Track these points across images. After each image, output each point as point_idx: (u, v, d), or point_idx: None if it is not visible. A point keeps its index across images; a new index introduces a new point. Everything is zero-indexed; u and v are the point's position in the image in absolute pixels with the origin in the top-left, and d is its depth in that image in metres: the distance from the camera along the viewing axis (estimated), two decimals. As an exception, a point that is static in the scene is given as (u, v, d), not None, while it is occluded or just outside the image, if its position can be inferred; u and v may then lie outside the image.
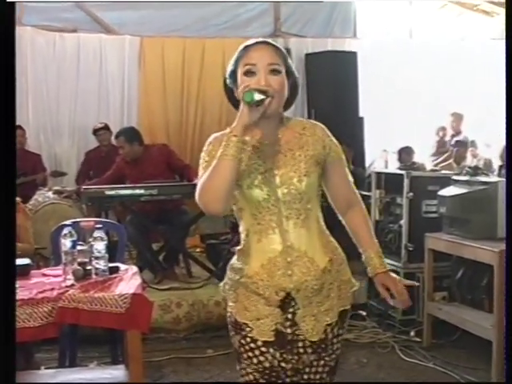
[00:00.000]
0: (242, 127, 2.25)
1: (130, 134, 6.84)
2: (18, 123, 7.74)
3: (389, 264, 6.03)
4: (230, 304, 2.52)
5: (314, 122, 2.57)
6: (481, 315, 4.99)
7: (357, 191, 2.64)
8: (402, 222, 5.83)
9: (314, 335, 2.46)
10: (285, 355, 2.46)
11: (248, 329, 2.45)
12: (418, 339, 5.55)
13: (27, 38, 8.37)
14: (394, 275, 2.63)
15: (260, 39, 2.44)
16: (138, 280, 3.69)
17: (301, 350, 2.48)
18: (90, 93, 8.78)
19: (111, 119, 8.59)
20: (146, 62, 8.93)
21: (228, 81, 2.46)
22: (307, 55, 9.25)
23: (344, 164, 2.57)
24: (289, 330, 2.46)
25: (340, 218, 2.65)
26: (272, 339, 2.43)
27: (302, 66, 9.23)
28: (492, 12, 11.32)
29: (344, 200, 2.60)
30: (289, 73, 2.42)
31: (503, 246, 4.42)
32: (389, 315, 5.93)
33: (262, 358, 2.45)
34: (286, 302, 2.44)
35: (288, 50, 8.89)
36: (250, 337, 2.45)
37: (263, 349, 2.44)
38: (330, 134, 2.53)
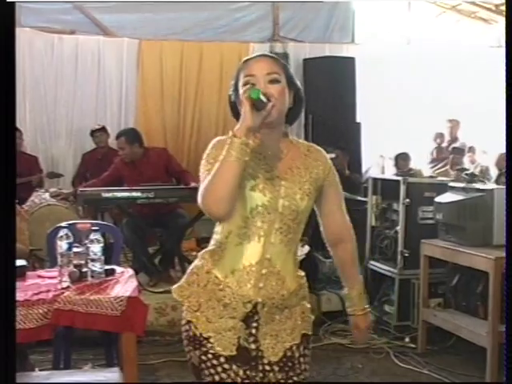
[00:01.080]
0: (245, 129, 2.22)
1: (131, 135, 6.82)
2: (15, 124, 7.76)
3: (384, 270, 6.10)
4: (189, 313, 2.43)
5: (317, 146, 2.58)
6: (475, 322, 5.00)
7: (351, 225, 2.62)
8: (398, 228, 5.84)
9: (273, 355, 2.42)
10: (248, 372, 2.38)
11: (209, 344, 2.36)
12: (413, 345, 5.55)
13: (25, 40, 8.35)
14: (369, 317, 2.68)
15: (260, 53, 2.49)
16: (133, 283, 3.68)
17: (267, 367, 2.42)
18: (88, 95, 8.78)
19: (108, 121, 8.59)
20: (144, 64, 8.93)
21: (232, 96, 2.47)
22: (305, 60, 9.27)
23: (340, 192, 2.57)
24: (253, 346, 2.41)
25: (328, 247, 2.64)
26: (234, 353, 2.35)
27: (299, 71, 9.25)
28: (490, 19, 11.36)
29: (337, 233, 2.59)
30: (290, 84, 2.44)
31: (498, 253, 4.45)
32: (384, 321, 5.94)
33: (224, 375, 2.35)
34: (249, 316, 2.39)
35: (286, 55, 8.94)
36: (211, 353, 2.36)
37: (226, 366, 2.35)
38: (329, 159, 2.54)
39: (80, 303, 3.32)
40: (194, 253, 7.71)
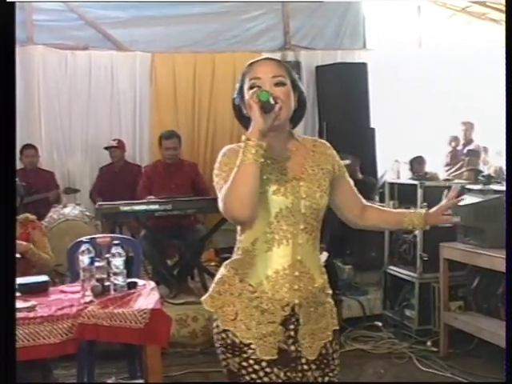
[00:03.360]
0: (257, 132, 2.24)
1: (179, 137, 7.09)
2: (30, 141, 7.86)
3: (404, 274, 6.08)
4: (226, 322, 2.43)
5: (321, 139, 2.64)
6: (497, 323, 4.99)
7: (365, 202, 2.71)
8: (417, 232, 5.83)
9: (311, 354, 2.46)
10: (289, 373, 2.41)
11: (250, 350, 2.38)
12: (435, 349, 5.54)
13: (39, 57, 8.44)
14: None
15: (264, 57, 2.55)
16: (156, 295, 3.71)
17: (305, 367, 2.46)
18: (102, 109, 8.82)
19: (123, 135, 8.62)
20: (157, 77, 8.97)
21: (236, 99, 2.51)
22: (317, 68, 9.29)
23: (350, 179, 2.64)
24: (292, 348, 2.44)
25: (358, 226, 2.70)
26: (275, 357, 2.38)
27: (312, 78, 9.28)
28: (500, 20, 11.31)
29: (359, 207, 2.66)
30: (295, 86, 2.47)
31: (518, 254, 4.43)
32: (405, 326, 5.93)
33: (266, 379, 2.38)
34: (287, 319, 2.42)
35: (298, 63, 8.96)
36: (252, 358, 2.38)
37: (267, 369, 2.37)
38: (334, 151, 2.60)
39: (104, 317, 3.35)
40: (213, 263, 7.76)
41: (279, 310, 2.40)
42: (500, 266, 4.75)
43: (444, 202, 2.71)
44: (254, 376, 2.38)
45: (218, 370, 5.21)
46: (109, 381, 4.87)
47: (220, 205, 2.30)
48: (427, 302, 5.80)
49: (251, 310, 2.40)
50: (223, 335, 2.44)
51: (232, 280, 2.45)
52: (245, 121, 2.44)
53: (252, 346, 2.38)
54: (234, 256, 2.49)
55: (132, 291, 3.69)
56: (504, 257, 4.58)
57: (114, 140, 8.26)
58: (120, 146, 8.20)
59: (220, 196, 2.31)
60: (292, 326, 2.43)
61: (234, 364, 2.41)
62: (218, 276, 2.53)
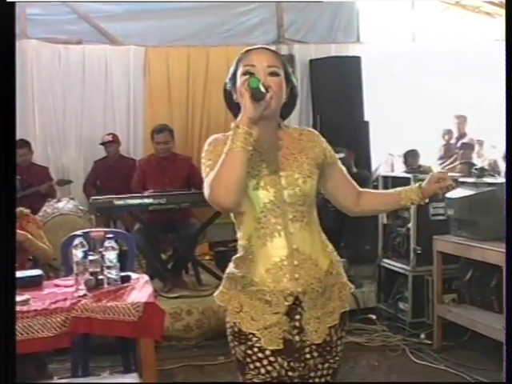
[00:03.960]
0: (247, 119, 2.24)
1: (172, 132, 7.07)
2: (24, 135, 7.81)
3: (397, 267, 6.09)
4: (233, 315, 2.47)
5: (309, 128, 2.65)
6: (491, 316, 5.01)
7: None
8: (410, 225, 5.85)
9: (317, 338, 2.46)
10: (292, 363, 2.44)
11: (255, 338, 2.41)
12: (429, 341, 5.56)
13: (32, 51, 8.41)
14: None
15: (260, 46, 2.53)
16: (149, 288, 3.71)
17: (307, 356, 2.47)
18: (96, 103, 8.81)
19: (117, 129, 8.61)
20: (150, 71, 8.96)
21: (228, 84, 2.51)
22: (311, 61, 9.28)
23: (342, 166, 2.65)
24: (297, 338, 2.44)
25: (354, 213, 2.71)
26: (280, 347, 2.40)
27: (306, 72, 9.27)
28: (494, 13, 11.34)
29: (353, 194, 2.67)
30: (288, 79, 2.48)
31: (511, 247, 4.44)
32: (399, 318, 5.95)
33: (269, 368, 2.41)
34: (292, 308, 2.42)
35: (292, 57, 8.96)
36: (257, 346, 2.41)
37: (271, 358, 2.40)
38: (323, 138, 2.60)
39: (97, 310, 3.35)
40: (207, 257, 7.78)
41: (282, 301, 2.40)
42: (493, 258, 4.77)
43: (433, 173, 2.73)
44: (257, 364, 2.42)
45: (212, 363, 5.28)
46: (103, 374, 4.87)
47: (205, 192, 2.30)
48: (421, 294, 5.81)
49: (255, 302, 2.42)
50: (231, 323, 2.48)
51: (237, 275, 2.47)
52: (234, 108, 2.44)
53: (257, 335, 2.40)
54: (238, 253, 2.51)
55: (125, 285, 3.69)
56: (497, 249, 4.64)
57: (109, 134, 8.25)
58: (115, 140, 8.20)
59: (205, 183, 2.32)
60: (297, 316, 2.44)
61: (240, 352, 2.45)
62: (226, 271, 2.56)
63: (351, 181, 2.67)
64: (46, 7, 8.68)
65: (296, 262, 2.40)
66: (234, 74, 2.46)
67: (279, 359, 2.41)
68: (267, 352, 2.40)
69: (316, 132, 2.61)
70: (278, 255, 2.40)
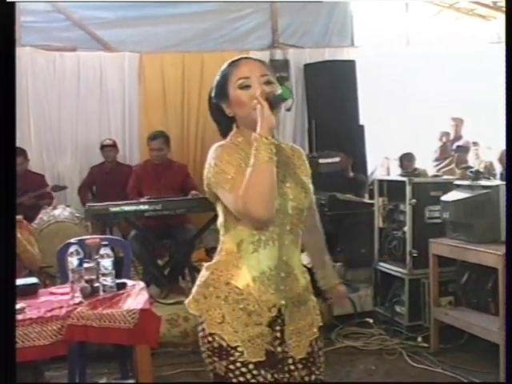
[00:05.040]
0: (268, 130, 2.24)
1: (167, 138, 7.06)
2: (19, 143, 7.73)
3: (394, 271, 6.09)
4: (213, 326, 2.37)
5: (295, 145, 2.69)
6: (487, 318, 5.00)
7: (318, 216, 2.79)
8: (406, 228, 5.84)
9: (299, 353, 2.45)
10: (276, 375, 2.39)
11: (237, 353, 2.34)
12: (426, 345, 5.55)
13: (27, 59, 8.39)
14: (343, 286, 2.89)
15: (243, 56, 2.56)
16: (145, 295, 3.72)
17: (292, 367, 2.45)
18: (91, 110, 8.79)
19: (113, 135, 8.60)
20: (145, 77, 8.96)
21: (214, 100, 2.49)
22: (306, 66, 9.30)
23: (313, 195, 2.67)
24: (279, 349, 2.42)
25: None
26: (263, 359, 2.35)
27: (300, 76, 9.29)
28: (488, 16, 11.37)
29: (312, 225, 2.70)
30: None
31: (507, 249, 4.45)
32: (395, 322, 5.95)
33: (253, 381, 2.34)
34: (273, 320, 2.40)
35: (286, 61, 8.98)
36: (239, 361, 2.34)
37: (255, 372, 2.34)
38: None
39: (93, 318, 3.36)
40: (204, 263, 7.76)
41: (266, 312, 2.38)
42: (489, 260, 4.77)
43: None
44: (241, 379, 2.35)
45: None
46: (100, 381, 4.87)
47: (237, 206, 2.24)
48: (417, 297, 5.81)
49: (238, 313, 2.36)
50: (209, 339, 2.38)
51: (217, 283, 2.40)
52: (224, 121, 2.44)
53: (239, 349, 2.34)
54: (217, 257, 2.46)
55: (121, 292, 3.70)
56: (493, 252, 4.64)
57: (110, 139, 8.26)
58: (114, 144, 8.21)
59: (232, 196, 2.27)
60: (278, 327, 2.42)
61: (220, 368, 2.37)
62: (200, 279, 2.48)
63: (315, 209, 2.72)
64: (41, 14, 8.67)
65: (283, 274, 2.40)
66: (223, 87, 2.44)
67: (262, 372, 2.36)
68: (250, 366, 2.34)
69: (302, 150, 2.65)
70: (268, 264, 2.38)
